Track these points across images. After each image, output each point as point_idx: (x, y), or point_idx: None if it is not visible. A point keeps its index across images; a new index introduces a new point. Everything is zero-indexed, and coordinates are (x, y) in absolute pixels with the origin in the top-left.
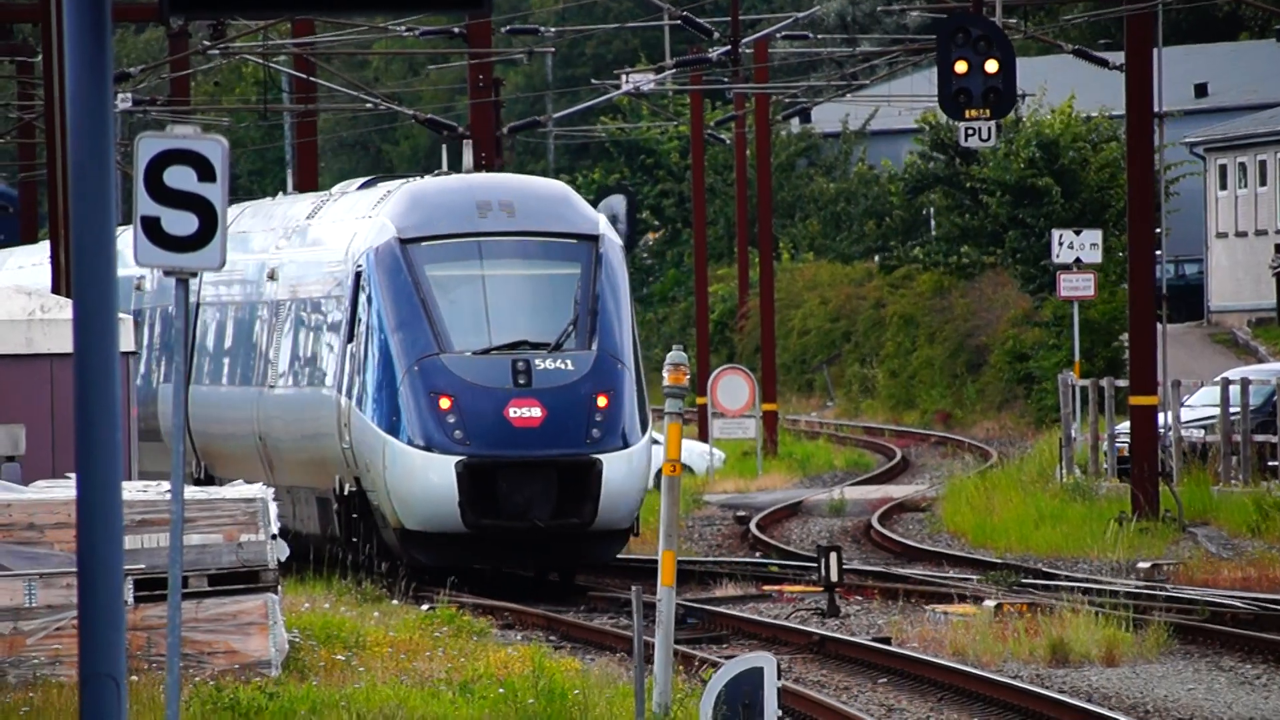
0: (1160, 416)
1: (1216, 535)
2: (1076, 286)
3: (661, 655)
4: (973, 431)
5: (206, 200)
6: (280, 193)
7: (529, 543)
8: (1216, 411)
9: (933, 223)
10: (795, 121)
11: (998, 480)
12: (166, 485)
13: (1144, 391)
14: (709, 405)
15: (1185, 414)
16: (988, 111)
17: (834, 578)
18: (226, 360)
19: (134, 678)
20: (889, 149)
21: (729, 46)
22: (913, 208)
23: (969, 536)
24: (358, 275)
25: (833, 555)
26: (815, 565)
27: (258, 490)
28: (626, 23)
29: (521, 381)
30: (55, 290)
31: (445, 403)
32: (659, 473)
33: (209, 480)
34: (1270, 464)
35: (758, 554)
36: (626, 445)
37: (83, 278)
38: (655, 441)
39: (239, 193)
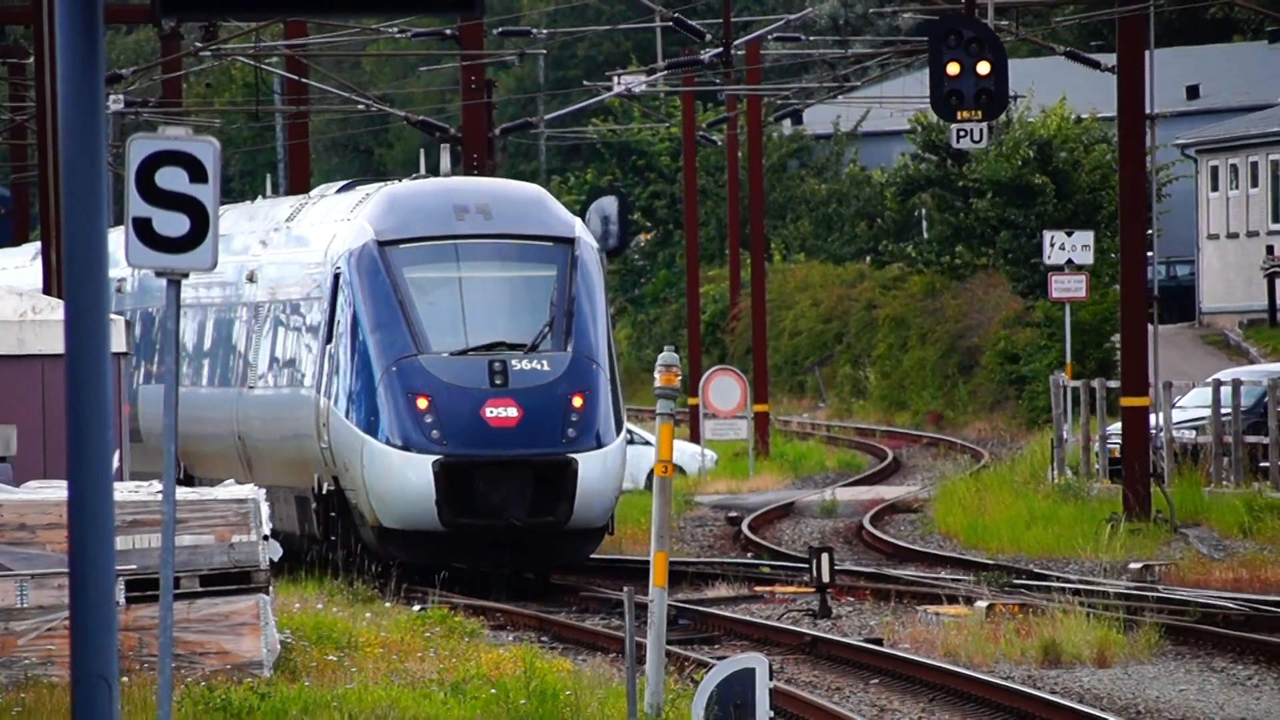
0: (1152, 418)
1: (1208, 536)
2: (1068, 288)
3: (653, 656)
4: (964, 433)
5: (198, 201)
6: (260, 196)
7: (505, 541)
8: (1208, 413)
9: (924, 224)
10: (787, 123)
11: (989, 481)
12: (158, 486)
13: (1135, 393)
14: (700, 406)
15: (1177, 415)
16: (979, 113)
17: (826, 579)
18: (206, 361)
19: (125, 678)
20: (880, 150)
21: (721, 48)
22: (904, 209)
23: (961, 537)
24: (336, 277)
25: (824, 556)
26: (807, 566)
27: (249, 491)
28: (618, 24)
29: (498, 382)
30: (47, 291)
31: (423, 403)
32: (650, 473)
33: (188, 480)
34: (1261, 465)
35: (749, 555)
36: (601, 445)
37: (74, 279)
38: (648, 443)
39: (231, 194)
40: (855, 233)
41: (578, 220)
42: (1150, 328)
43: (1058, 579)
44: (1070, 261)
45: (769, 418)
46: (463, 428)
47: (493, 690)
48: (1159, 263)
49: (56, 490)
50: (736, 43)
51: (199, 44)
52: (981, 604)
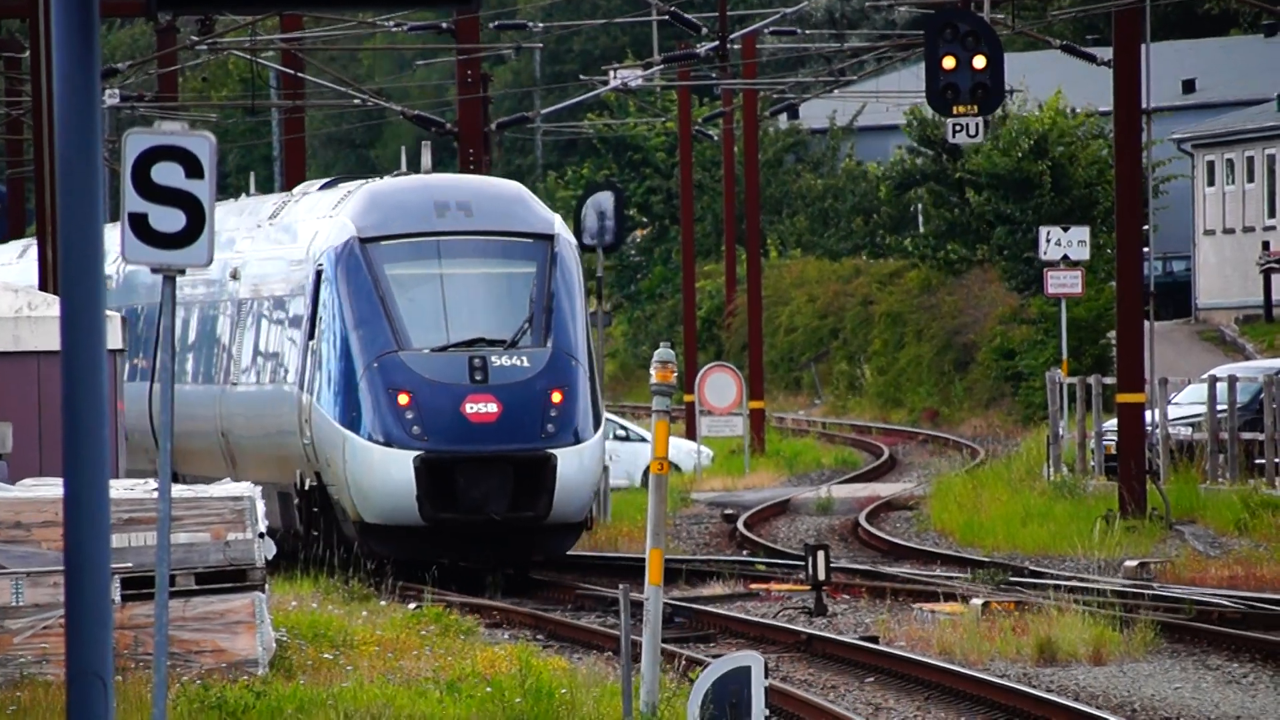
0: (1148, 414)
1: (1204, 533)
2: (1064, 283)
3: (649, 654)
4: (960, 429)
5: (194, 197)
6: (244, 193)
7: (485, 536)
8: (1204, 409)
9: (920, 219)
10: (783, 117)
11: (985, 478)
12: (154, 483)
13: (1131, 389)
14: (696, 403)
15: (1172, 412)
16: (975, 107)
17: (821, 576)
18: (190, 358)
19: (121, 677)
20: (876, 144)
21: (717, 42)
22: (900, 204)
23: (956, 535)
24: (318, 274)
25: (820, 554)
26: (803, 564)
27: (245, 489)
28: (614, 18)
29: (478, 378)
30: (42, 287)
31: (404, 399)
32: (646, 470)
33: (173, 477)
34: (1257, 462)
35: (745, 552)
36: (579, 441)
37: (70, 275)
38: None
39: (226, 190)
40: (851, 228)
41: (557, 217)
42: (1146, 324)
43: (1053, 576)
44: (1066, 257)
45: (765, 414)
46: (443, 424)
47: (488, 688)
48: (1155, 258)
49: (52, 488)
50: (732, 37)
51: (195, 38)
52: (977, 601)
